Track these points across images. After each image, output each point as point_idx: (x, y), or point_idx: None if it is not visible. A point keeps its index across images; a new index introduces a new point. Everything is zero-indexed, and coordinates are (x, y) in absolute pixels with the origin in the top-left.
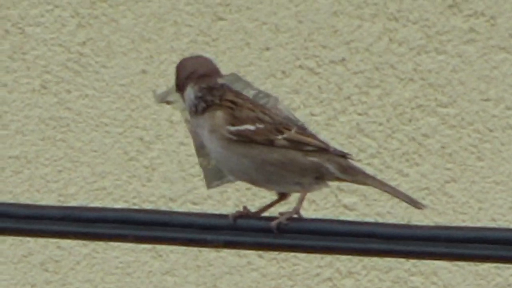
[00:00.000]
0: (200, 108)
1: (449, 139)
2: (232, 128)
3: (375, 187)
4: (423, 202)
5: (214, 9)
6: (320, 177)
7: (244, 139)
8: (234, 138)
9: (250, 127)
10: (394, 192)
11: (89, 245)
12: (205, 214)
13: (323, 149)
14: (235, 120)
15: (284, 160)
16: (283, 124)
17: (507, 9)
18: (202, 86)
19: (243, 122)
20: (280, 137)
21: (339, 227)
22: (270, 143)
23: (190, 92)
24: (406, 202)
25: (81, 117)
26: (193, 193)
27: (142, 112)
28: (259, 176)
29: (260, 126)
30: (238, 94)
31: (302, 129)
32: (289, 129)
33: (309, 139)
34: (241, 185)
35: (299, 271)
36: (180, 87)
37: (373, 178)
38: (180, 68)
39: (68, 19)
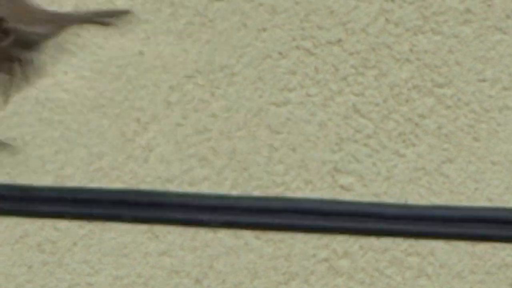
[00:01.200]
0: None
1: (446, 119)
2: None
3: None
4: (420, 182)
5: None
6: None
7: None
8: None
9: None
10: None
11: (86, 226)
12: (201, 195)
13: None
14: None
15: None
16: None
17: None
18: None
19: None
20: None
21: (336, 207)
22: None
23: None
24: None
25: (78, 98)
26: (189, 174)
27: (139, 93)
28: None
29: None
30: None
31: None
32: None
33: None
34: (238, 165)
35: (295, 252)
36: None
37: None
38: None
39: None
